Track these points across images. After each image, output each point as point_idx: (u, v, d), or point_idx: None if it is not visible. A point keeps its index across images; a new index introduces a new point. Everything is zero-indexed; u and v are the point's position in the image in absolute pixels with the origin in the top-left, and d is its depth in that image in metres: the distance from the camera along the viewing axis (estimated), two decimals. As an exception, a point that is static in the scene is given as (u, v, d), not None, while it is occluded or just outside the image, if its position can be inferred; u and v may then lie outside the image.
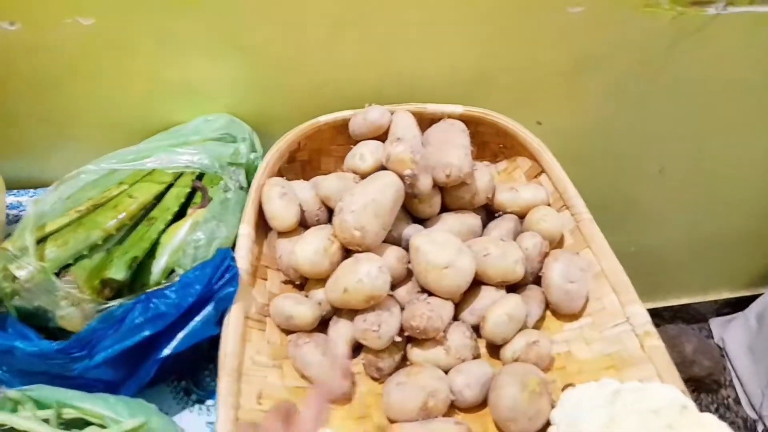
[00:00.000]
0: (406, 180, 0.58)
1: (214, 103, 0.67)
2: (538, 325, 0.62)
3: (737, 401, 1.26)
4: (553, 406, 0.52)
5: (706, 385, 1.25)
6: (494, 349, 0.59)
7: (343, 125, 0.67)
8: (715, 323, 1.39)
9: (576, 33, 0.70)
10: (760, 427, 1.22)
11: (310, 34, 0.62)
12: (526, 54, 0.72)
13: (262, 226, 0.61)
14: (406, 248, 0.60)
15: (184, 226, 0.55)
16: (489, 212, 0.69)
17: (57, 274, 0.50)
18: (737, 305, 1.34)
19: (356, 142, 0.65)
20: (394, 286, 0.60)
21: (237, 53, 0.63)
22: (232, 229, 0.57)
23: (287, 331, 0.58)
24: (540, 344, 0.56)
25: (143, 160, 0.57)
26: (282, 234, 0.60)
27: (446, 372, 0.56)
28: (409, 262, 0.59)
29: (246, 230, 0.56)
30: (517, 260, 0.59)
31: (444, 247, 0.57)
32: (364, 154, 0.62)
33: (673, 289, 1.30)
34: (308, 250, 0.56)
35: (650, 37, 0.72)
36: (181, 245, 0.54)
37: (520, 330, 0.58)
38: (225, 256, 0.53)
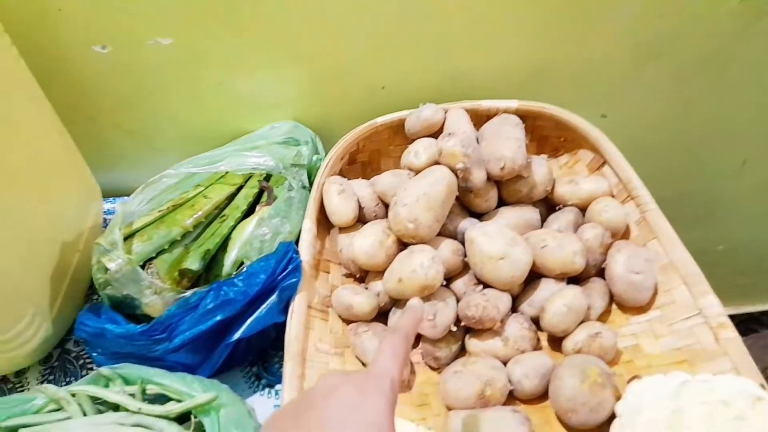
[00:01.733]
0: (458, 173, 0.59)
1: (279, 111, 0.72)
2: (603, 318, 0.60)
3: None
4: (618, 399, 0.50)
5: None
6: (556, 343, 0.58)
7: (400, 126, 0.69)
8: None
9: (636, 21, 0.68)
10: None
11: (362, 40, 0.66)
12: (583, 45, 0.71)
13: (325, 222, 0.64)
14: (463, 242, 0.61)
15: (252, 222, 0.60)
16: (549, 206, 0.68)
17: (142, 266, 0.55)
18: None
19: (413, 140, 0.67)
20: (451, 279, 0.61)
21: (296, 64, 0.67)
22: (296, 225, 0.60)
23: (348, 321, 0.60)
24: (603, 336, 0.55)
25: (217, 164, 0.62)
26: (342, 229, 0.63)
27: (505, 363, 0.55)
28: (465, 255, 0.60)
29: (308, 225, 0.60)
30: (576, 251, 0.58)
31: (498, 239, 0.57)
32: (419, 150, 0.64)
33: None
34: (365, 243, 0.59)
35: (717, 21, 0.69)
36: (249, 239, 0.58)
37: (582, 322, 0.57)
38: (288, 249, 0.56)
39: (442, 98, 0.69)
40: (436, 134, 0.67)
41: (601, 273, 0.61)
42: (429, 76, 0.71)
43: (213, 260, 0.58)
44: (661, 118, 0.81)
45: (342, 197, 0.61)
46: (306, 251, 0.58)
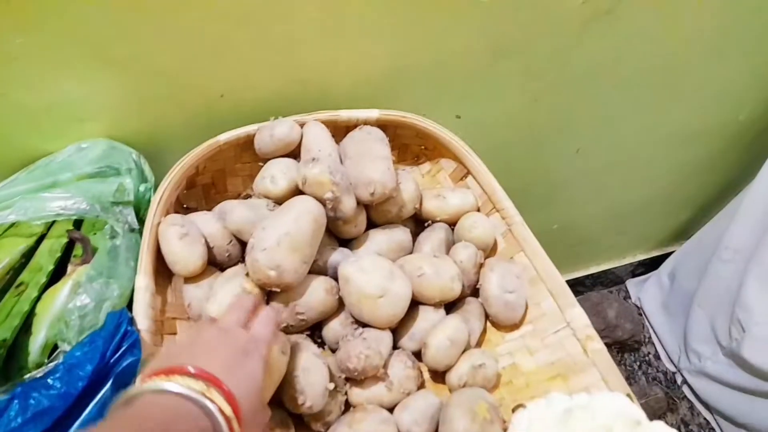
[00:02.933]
0: (327, 204, 0.52)
1: (87, 127, 0.56)
2: (480, 339, 0.59)
3: (657, 357, 1.35)
4: (505, 429, 0.50)
5: (629, 345, 1.31)
6: (438, 374, 0.56)
7: (248, 141, 0.59)
8: (632, 284, 1.47)
9: (488, 20, 0.66)
10: (679, 379, 1.31)
11: (194, 38, 0.53)
12: (438, 46, 0.67)
13: (163, 271, 0.52)
14: (335, 276, 0.54)
15: (63, 290, 0.46)
16: (418, 221, 0.64)
17: None
18: (651, 266, 1.42)
19: (265, 159, 0.58)
20: (325, 321, 0.54)
21: (107, 67, 0.52)
22: (127, 283, 0.48)
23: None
24: (486, 366, 0.53)
25: (2, 212, 0.46)
26: (188, 279, 0.52)
27: (391, 409, 0.51)
28: (339, 292, 0.53)
29: (143, 282, 0.48)
30: (453, 277, 0.56)
31: (375, 274, 0.52)
32: (275, 175, 0.55)
33: (593, 257, 1.35)
34: (222, 310, 0.48)
35: (563, 20, 0.70)
36: (63, 314, 0.45)
37: (464, 351, 0.55)
38: (120, 321, 0.44)
39: (292, 107, 0.61)
40: (292, 153, 0.58)
41: (475, 292, 0.60)
42: (275, 83, 0.61)
43: (13, 348, 0.43)
44: (511, 114, 0.82)
45: (185, 242, 0.50)
46: (144, 316, 0.46)
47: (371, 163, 0.56)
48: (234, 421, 0.32)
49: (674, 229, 1.36)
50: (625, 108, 0.89)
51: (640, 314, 1.39)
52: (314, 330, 0.56)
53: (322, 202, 0.52)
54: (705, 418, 1.25)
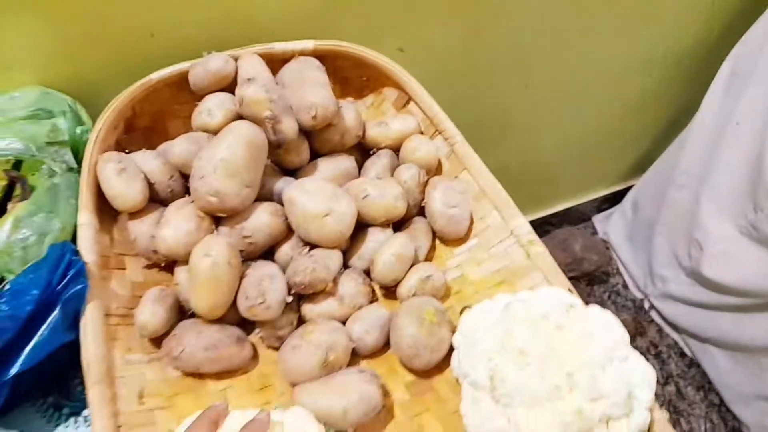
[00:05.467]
0: (267, 124, 0.52)
1: (16, 75, 0.56)
2: (429, 255, 0.61)
3: (625, 286, 1.39)
4: (454, 332, 0.52)
5: (597, 277, 1.35)
6: (390, 291, 0.57)
7: (183, 80, 0.59)
8: (598, 219, 1.50)
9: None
10: (647, 305, 1.35)
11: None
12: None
13: (107, 210, 0.53)
14: (281, 202, 0.55)
15: (4, 226, 0.46)
16: (363, 151, 0.65)
17: None
18: (615, 200, 1.45)
19: (202, 97, 0.58)
20: (276, 245, 0.56)
21: (30, 11, 0.52)
22: (69, 219, 0.49)
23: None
24: (433, 277, 0.55)
25: (-66, 157, 0.46)
26: (132, 215, 0.53)
27: (344, 322, 0.53)
28: (284, 215, 0.55)
29: (86, 217, 0.49)
30: (396, 196, 0.57)
31: (319, 195, 0.53)
32: (212, 108, 0.55)
33: (556, 195, 1.38)
34: (178, 233, 0.50)
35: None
36: (6, 248, 0.45)
37: (413, 266, 0.57)
38: (63, 251, 0.45)
39: (227, 44, 0.60)
40: (228, 88, 0.58)
41: (421, 212, 0.62)
42: (206, 18, 0.60)
43: (-44, 284, 0.44)
44: (453, 46, 0.83)
45: (124, 177, 0.50)
46: (89, 250, 0.47)
47: (310, 88, 0.57)
48: None
49: (633, 162, 1.39)
50: (572, 39, 0.90)
51: (608, 248, 1.43)
52: (269, 257, 0.57)
53: (261, 123, 0.52)
54: (673, 339, 1.31)
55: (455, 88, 0.87)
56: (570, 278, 0.52)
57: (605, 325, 0.47)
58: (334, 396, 0.44)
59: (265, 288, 0.49)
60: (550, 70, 0.97)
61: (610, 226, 1.44)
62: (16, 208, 0.47)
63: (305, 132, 0.59)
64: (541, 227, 1.35)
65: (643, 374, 0.46)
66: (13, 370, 0.42)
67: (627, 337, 0.47)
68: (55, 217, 0.47)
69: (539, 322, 0.46)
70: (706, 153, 1.11)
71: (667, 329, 1.32)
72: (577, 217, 1.46)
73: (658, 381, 1.21)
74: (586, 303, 0.49)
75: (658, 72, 1.12)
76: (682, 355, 1.28)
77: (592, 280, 1.34)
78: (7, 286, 0.44)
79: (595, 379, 0.43)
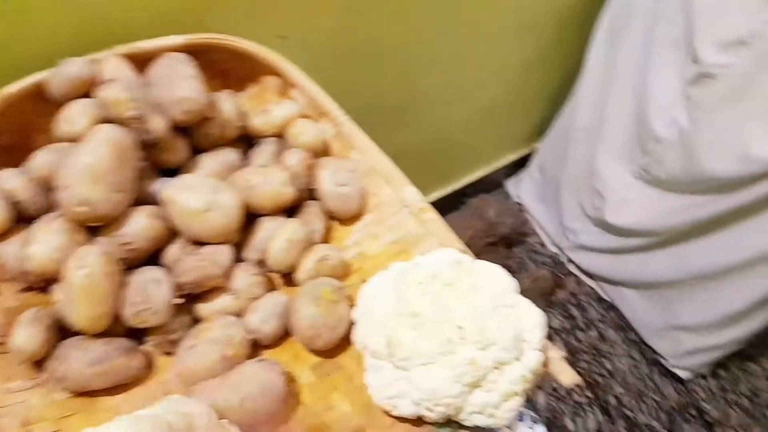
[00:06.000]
0: (133, 124, 0.51)
1: None
2: (326, 237, 0.61)
3: (542, 244, 1.46)
4: (352, 306, 0.52)
5: (514, 239, 1.41)
6: (289, 278, 0.57)
7: (44, 91, 0.55)
8: (510, 184, 1.56)
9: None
10: (563, 258, 1.42)
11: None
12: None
13: (-30, 235, 0.49)
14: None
15: None
16: (249, 144, 0.64)
17: None
18: (523, 164, 1.51)
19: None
20: (163, 248, 0.54)
21: None
22: None
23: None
24: (330, 257, 0.56)
25: None
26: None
27: (237, 315, 0.52)
28: (165, 216, 0.53)
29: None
30: (283, 182, 0.57)
31: (199, 190, 0.52)
32: (73, 116, 0.53)
33: (466, 167, 1.41)
34: (48, 249, 0.47)
35: None
36: None
37: (309, 249, 0.57)
38: None
39: (90, 49, 0.57)
40: (90, 94, 0.55)
41: (313, 195, 0.62)
42: (66, 23, 0.57)
43: None
44: (337, 28, 0.83)
45: (-20, 198, 0.47)
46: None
47: (179, 82, 0.55)
48: None
49: (537, 124, 1.45)
50: (456, 8, 0.92)
51: (522, 210, 1.50)
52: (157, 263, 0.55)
53: (126, 124, 0.50)
54: (590, 287, 1.39)
55: (343, 73, 0.87)
56: (488, 243, 0.54)
57: (493, 277, 0.49)
58: (231, 390, 0.44)
59: (150, 293, 0.47)
60: (439, 45, 0.99)
61: (522, 189, 1.50)
62: None
63: (181, 129, 0.57)
64: (457, 199, 1.39)
65: (531, 318, 0.48)
66: None
67: (515, 285, 0.50)
68: None
69: (429, 282, 0.47)
70: (596, 106, 1.18)
71: (584, 278, 1.39)
72: (490, 184, 1.51)
73: (580, 328, 1.30)
74: (507, 266, 0.51)
75: (548, 31, 1.17)
76: (600, 300, 1.37)
77: (510, 242, 1.40)
78: None
79: (483, 328, 0.44)
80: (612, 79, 1.13)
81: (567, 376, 0.48)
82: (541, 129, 1.44)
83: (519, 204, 1.52)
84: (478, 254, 0.51)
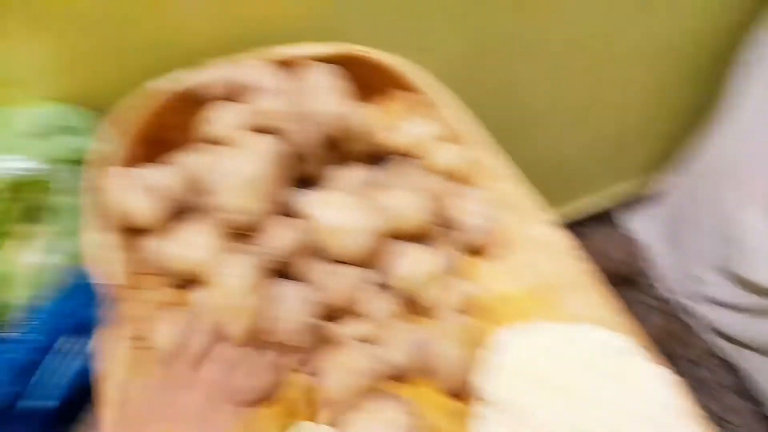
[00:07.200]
0: (283, 136, 0.50)
1: (27, 91, 0.54)
2: (460, 269, 0.58)
3: (656, 287, 1.33)
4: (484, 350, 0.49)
5: (625, 278, 1.31)
6: (418, 307, 0.54)
7: (190, 90, 0.56)
8: (624, 217, 1.44)
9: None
10: (681, 307, 1.29)
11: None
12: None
13: (124, 228, 0.50)
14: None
15: (21, 249, 0.44)
16: (384, 159, 0.63)
17: None
18: (638, 196, 1.40)
19: (206, 107, 0.56)
20: (297, 262, 0.53)
21: (36, 22, 0.50)
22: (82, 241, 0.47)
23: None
24: (471, 294, 0.53)
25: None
26: (149, 233, 0.51)
27: (373, 341, 0.51)
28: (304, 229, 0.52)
29: (98, 238, 0.47)
30: (424, 208, 0.54)
31: (341, 207, 0.51)
32: (222, 119, 0.53)
33: (575, 193, 1.32)
34: (194, 253, 0.48)
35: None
36: (21, 273, 0.44)
37: (442, 281, 0.54)
38: (81, 275, 0.44)
39: (234, 51, 0.58)
40: (237, 97, 0.56)
41: (449, 223, 0.59)
42: (215, 28, 0.59)
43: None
44: (463, 41, 0.79)
45: (137, 194, 0.48)
46: (112, 272, 0.46)
47: (323, 95, 0.54)
48: None
49: (657, 156, 1.34)
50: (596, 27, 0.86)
51: (637, 247, 1.38)
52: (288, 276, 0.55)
53: (279, 135, 0.50)
54: (711, 345, 1.25)
55: (477, 91, 0.84)
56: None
57: (660, 383, 0.44)
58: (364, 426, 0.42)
59: (287, 308, 0.46)
60: (572, 60, 0.93)
61: (639, 223, 1.39)
62: (32, 231, 0.45)
63: (321, 142, 0.56)
64: (574, 228, 1.30)
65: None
66: (54, 402, 0.42)
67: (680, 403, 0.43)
68: (71, 239, 0.45)
69: (586, 362, 0.43)
70: (736, 146, 1.07)
71: (706, 334, 1.26)
72: (604, 215, 1.41)
73: (694, 389, 1.17)
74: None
75: (685, 59, 1.07)
76: (723, 361, 1.22)
77: (620, 281, 1.29)
78: (27, 315, 0.42)
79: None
80: (756, 118, 1.01)
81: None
82: (662, 161, 1.33)
83: (634, 239, 1.40)
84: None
